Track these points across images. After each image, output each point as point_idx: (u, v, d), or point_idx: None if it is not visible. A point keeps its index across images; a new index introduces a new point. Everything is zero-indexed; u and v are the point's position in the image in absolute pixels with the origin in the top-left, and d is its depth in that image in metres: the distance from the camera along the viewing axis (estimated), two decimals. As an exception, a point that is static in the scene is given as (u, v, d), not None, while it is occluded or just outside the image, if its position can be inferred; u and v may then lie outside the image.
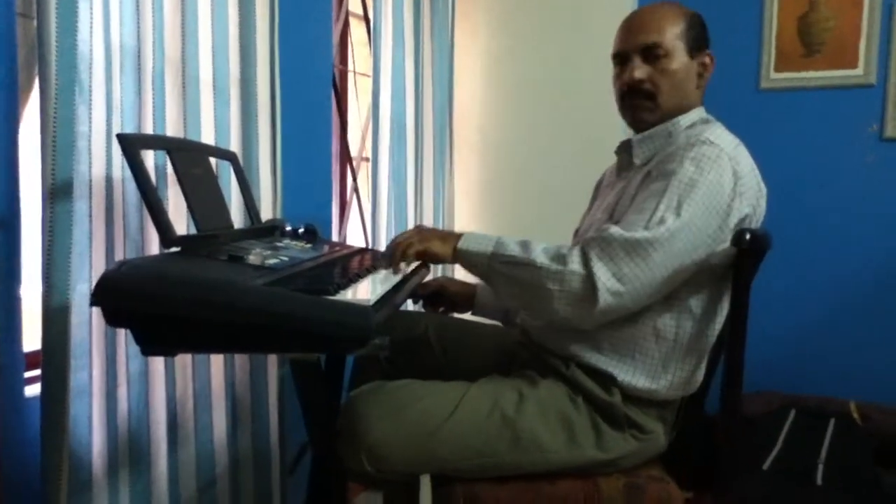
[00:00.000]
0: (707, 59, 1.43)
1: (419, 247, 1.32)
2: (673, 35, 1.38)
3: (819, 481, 2.03)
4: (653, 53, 1.39)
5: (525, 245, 1.28)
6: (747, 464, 2.14)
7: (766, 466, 2.12)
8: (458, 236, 1.34)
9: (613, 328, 1.31)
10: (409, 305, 2.04)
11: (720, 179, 1.25)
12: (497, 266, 1.29)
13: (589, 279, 1.21)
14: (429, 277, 1.67)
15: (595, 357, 1.33)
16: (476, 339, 1.64)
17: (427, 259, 1.37)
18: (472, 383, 1.34)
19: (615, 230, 1.22)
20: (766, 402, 2.44)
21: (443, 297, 1.73)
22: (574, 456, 1.29)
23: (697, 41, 1.41)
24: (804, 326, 2.69)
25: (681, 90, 1.40)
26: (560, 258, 1.24)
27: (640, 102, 1.42)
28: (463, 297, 1.73)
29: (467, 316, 1.75)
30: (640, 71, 1.40)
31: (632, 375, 1.32)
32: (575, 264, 1.22)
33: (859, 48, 2.60)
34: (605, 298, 1.20)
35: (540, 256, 1.25)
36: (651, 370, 1.32)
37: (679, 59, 1.39)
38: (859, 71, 2.60)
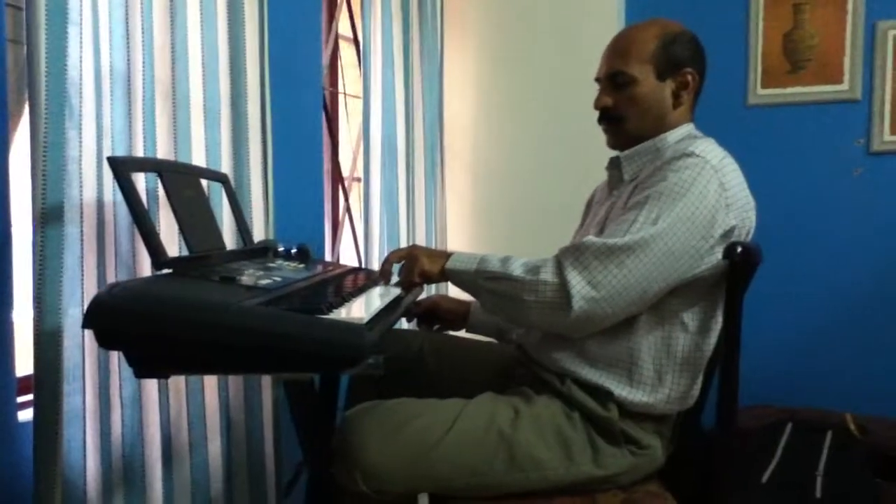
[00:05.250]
0: (688, 77, 1.41)
1: (416, 273, 1.38)
2: (639, 60, 1.39)
3: (818, 494, 2.02)
4: (617, 81, 1.41)
5: (505, 260, 1.33)
6: (746, 478, 2.13)
7: (764, 480, 2.11)
8: (448, 256, 1.38)
9: (607, 342, 1.32)
10: (404, 324, 2.03)
11: (704, 191, 1.25)
12: (481, 282, 1.33)
13: (563, 288, 1.23)
14: (423, 296, 1.67)
15: (590, 372, 1.33)
16: (471, 357, 1.63)
17: (422, 280, 1.41)
18: (467, 400, 1.34)
19: (590, 239, 1.25)
20: (762, 415, 2.43)
21: (437, 314, 1.73)
22: (571, 472, 1.29)
23: (673, 62, 1.40)
24: (798, 340, 2.70)
25: (651, 113, 1.42)
26: (535, 269, 1.27)
27: (609, 127, 1.47)
28: (457, 315, 1.72)
29: (462, 333, 1.75)
30: (606, 98, 1.44)
31: (628, 390, 1.31)
32: (548, 274, 1.26)
33: (844, 64, 2.62)
34: (580, 305, 1.22)
35: (517, 269, 1.29)
36: (647, 384, 1.32)
37: (646, 84, 1.40)
38: (844, 86, 2.63)
